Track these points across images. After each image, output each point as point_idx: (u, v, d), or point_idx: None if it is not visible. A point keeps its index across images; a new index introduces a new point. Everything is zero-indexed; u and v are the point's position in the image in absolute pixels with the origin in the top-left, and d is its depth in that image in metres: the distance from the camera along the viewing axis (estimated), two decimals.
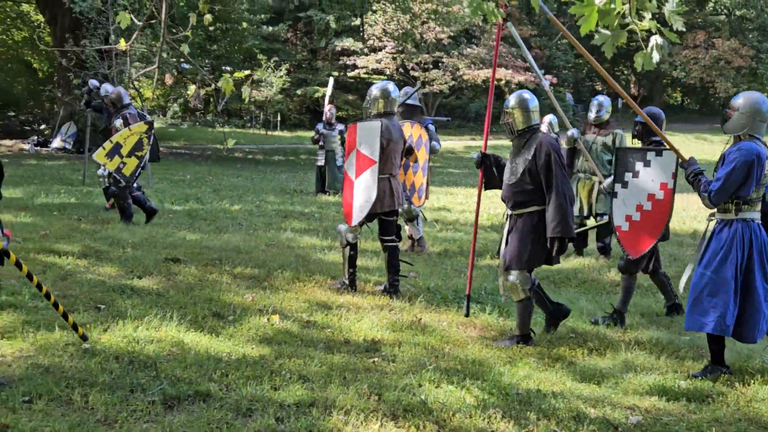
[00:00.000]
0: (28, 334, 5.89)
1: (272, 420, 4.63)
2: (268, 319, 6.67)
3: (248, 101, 8.43)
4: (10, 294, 6.90)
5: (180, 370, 5.34)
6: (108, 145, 10.83)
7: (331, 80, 16.15)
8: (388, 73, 36.70)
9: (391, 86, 8.11)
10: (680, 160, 6.23)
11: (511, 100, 6.66)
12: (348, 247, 7.96)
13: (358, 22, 39.10)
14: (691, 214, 15.04)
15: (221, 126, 36.17)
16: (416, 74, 36.07)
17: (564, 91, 42.21)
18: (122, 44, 5.34)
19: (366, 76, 37.38)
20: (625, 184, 7.20)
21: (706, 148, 35.57)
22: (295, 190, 17.35)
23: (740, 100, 5.91)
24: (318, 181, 16.56)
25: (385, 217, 7.95)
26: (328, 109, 16.07)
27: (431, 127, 10.24)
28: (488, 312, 7.44)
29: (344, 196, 7.91)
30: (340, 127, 15.99)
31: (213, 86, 5.22)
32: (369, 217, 7.80)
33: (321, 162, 16.32)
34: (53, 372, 5.18)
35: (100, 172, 12.33)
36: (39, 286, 5.42)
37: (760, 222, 5.99)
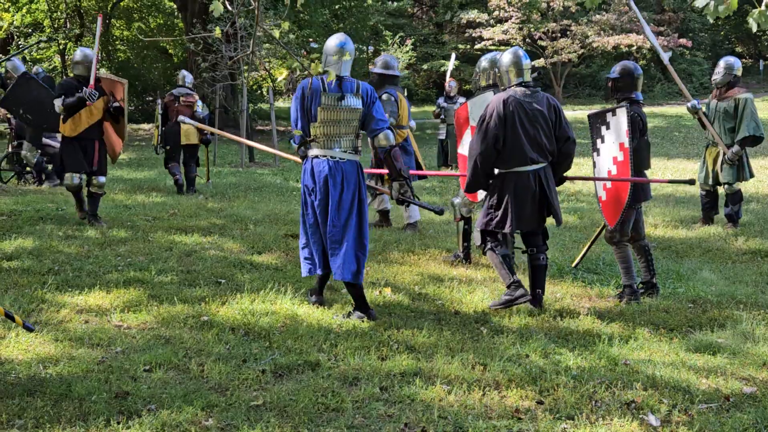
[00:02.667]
0: (152, 307, 6.21)
1: (377, 389, 4.73)
2: (380, 292, 6.79)
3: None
4: (138, 270, 7.26)
5: (291, 341, 5.52)
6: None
7: (453, 55, 16.14)
8: (514, 44, 36.24)
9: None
10: None
11: None
12: (462, 221, 7.98)
13: None
14: None
15: None
16: (543, 43, 35.50)
17: (700, 55, 40.54)
18: (217, 32, 5.51)
19: (493, 47, 37.01)
20: (598, 152, 6.86)
21: None
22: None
23: None
24: (440, 155, 16.62)
25: None
26: (448, 83, 16.09)
27: (389, 97, 9.14)
28: (604, 283, 7.34)
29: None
30: (462, 100, 15.97)
31: (306, 71, 5.27)
32: None
33: (443, 136, 16.36)
34: (173, 343, 5.45)
35: (23, 153, 12.82)
36: None
37: (341, 159, 5.99)
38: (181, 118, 10.10)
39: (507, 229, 6.37)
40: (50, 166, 13.19)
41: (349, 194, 5.98)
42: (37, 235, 8.66)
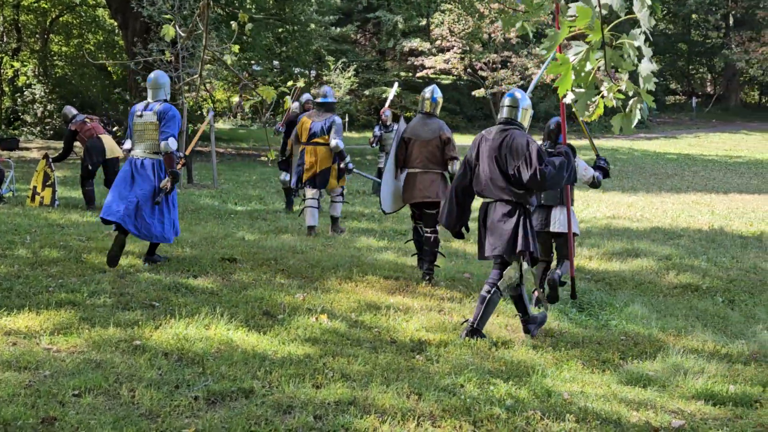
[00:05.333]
0: (83, 330, 6.08)
1: (311, 417, 4.70)
2: (317, 319, 6.75)
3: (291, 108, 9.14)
4: (69, 292, 7.12)
5: (225, 367, 5.45)
6: (30, 191, 12.80)
7: (396, 84, 16.29)
8: (455, 73, 36.67)
9: (429, 90, 8.89)
10: None
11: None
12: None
13: (425, 22, 39.12)
14: (760, 215, 14.68)
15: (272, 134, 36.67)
16: (484, 74, 35.96)
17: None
18: (167, 55, 5.52)
19: (434, 76, 37.41)
20: None
21: None
22: (357, 191, 17.46)
23: None
24: (376, 182, 16.71)
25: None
26: (382, 112, 16.18)
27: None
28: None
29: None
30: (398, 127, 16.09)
31: (256, 95, 5.35)
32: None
33: (382, 164, 16.44)
34: (104, 367, 5.34)
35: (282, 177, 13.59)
36: None
37: (142, 157, 8.30)
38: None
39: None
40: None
41: (147, 181, 8.22)
42: None
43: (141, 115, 8.36)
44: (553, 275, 7.65)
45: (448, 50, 36.65)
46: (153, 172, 8.24)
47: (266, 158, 11.44)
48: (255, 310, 6.91)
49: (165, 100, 8.42)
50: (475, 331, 6.49)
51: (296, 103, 14.64)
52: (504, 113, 6.74)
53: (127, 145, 8.59)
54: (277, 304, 7.17)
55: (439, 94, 8.81)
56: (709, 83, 56.22)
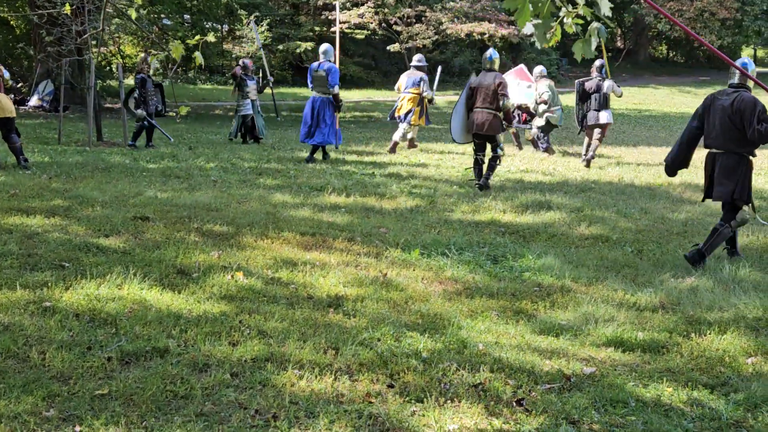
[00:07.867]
0: None
1: (227, 375, 4.68)
2: (232, 276, 6.69)
3: (203, 64, 9.00)
4: None
5: (139, 327, 5.37)
6: None
7: (253, 20, 17.32)
8: (371, 27, 36.41)
9: (488, 52, 12.06)
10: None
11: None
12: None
13: None
14: None
15: (201, 83, 36.09)
16: (399, 28, 35.81)
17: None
18: (67, 8, 5.30)
19: (349, 30, 37.05)
20: None
21: (689, 101, 35.60)
22: (273, 147, 17.28)
23: None
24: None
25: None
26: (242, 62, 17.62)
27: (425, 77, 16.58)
28: (456, 267, 7.49)
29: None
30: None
31: (165, 51, 5.20)
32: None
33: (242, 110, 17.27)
34: (12, 330, 5.21)
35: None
36: None
37: (318, 96, 14.18)
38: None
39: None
40: None
41: (323, 111, 14.02)
42: None
43: (317, 71, 13.97)
44: None
45: (362, 4, 36.30)
46: (323, 104, 14.02)
47: (175, 114, 13.32)
48: (169, 269, 6.81)
49: (330, 60, 14.02)
50: (702, 255, 7.74)
51: (147, 56, 15.60)
52: (735, 79, 7.86)
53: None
54: (191, 262, 7.07)
55: (496, 55, 11.88)
56: (619, 38, 57.11)
